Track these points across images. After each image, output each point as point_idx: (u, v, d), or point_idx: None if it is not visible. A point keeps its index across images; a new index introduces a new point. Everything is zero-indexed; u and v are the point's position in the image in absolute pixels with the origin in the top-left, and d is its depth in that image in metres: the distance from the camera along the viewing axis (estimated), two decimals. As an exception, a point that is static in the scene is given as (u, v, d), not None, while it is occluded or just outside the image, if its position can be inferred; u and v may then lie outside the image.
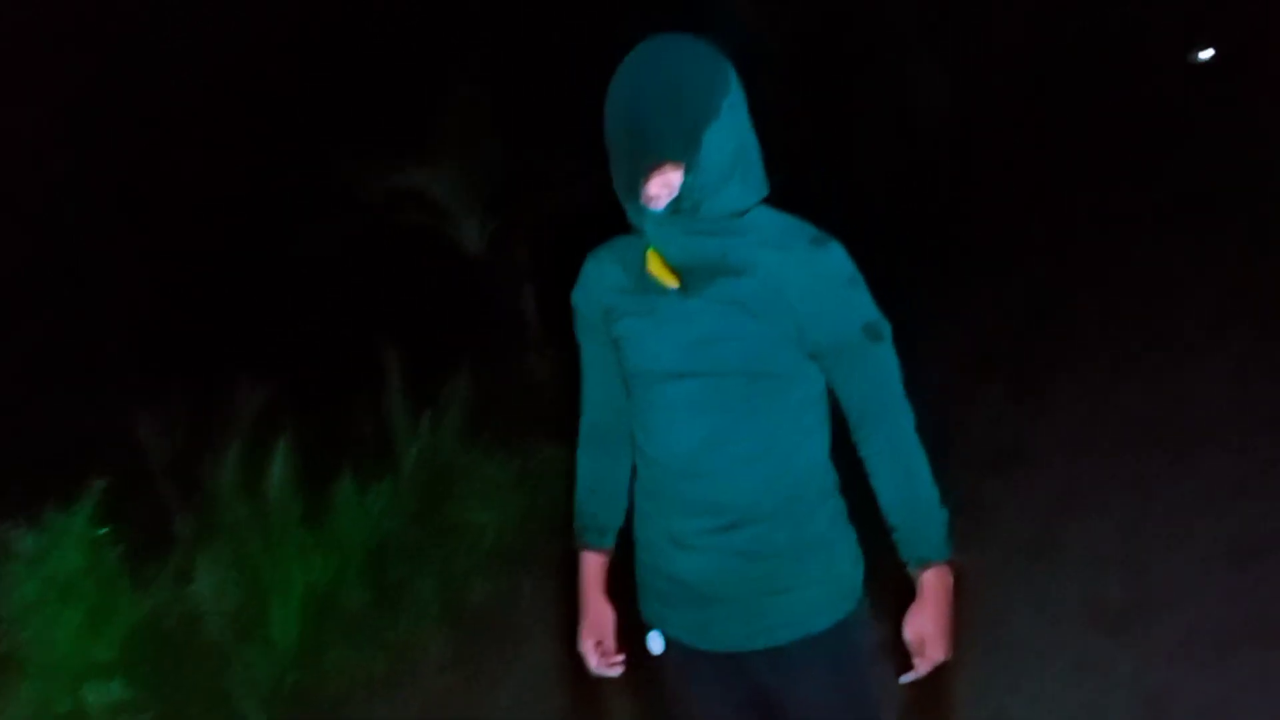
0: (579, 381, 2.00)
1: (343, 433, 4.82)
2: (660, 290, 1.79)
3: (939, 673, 1.84)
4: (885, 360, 1.83)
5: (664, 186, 1.74)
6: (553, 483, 4.91)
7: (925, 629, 1.82)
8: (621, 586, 1.99)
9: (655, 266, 1.80)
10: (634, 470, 1.96)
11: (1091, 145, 12.70)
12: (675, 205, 1.73)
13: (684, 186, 1.71)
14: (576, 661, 2.05)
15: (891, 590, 1.90)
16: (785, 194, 1.84)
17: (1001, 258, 8.52)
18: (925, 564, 1.83)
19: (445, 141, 6.44)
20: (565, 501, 4.90)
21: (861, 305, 1.80)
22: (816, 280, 1.76)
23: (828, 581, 1.85)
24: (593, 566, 2.01)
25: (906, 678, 1.85)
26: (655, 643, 1.95)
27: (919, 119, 12.96)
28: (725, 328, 1.76)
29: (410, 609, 4.08)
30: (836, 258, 1.78)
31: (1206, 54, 18.63)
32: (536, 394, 5.66)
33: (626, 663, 1.99)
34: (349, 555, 4.14)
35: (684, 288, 1.77)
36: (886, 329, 1.81)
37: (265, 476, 4.14)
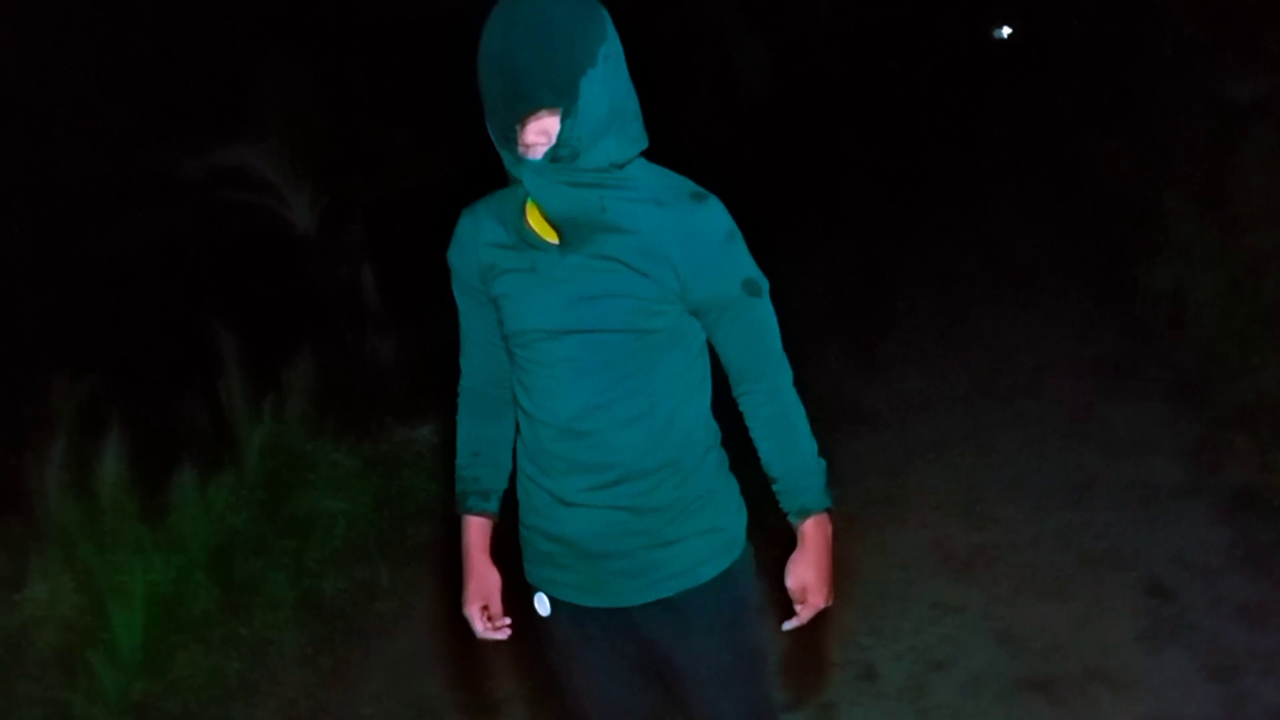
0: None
1: (177, 424, 4.54)
2: (540, 245, 1.76)
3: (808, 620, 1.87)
4: (764, 316, 1.84)
5: (541, 134, 1.70)
6: (405, 467, 4.79)
7: (807, 577, 1.85)
8: (501, 554, 1.95)
9: (534, 220, 1.76)
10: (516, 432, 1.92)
11: (910, 116, 13.25)
12: (553, 153, 1.69)
13: (562, 134, 1.68)
14: (443, 646, 1.99)
15: (770, 542, 1.93)
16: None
17: (829, 228, 8.79)
18: (806, 513, 1.86)
19: (267, 115, 6.15)
20: (420, 486, 4.79)
21: (741, 261, 1.80)
22: (696, 236, 1.75)
23: (713, 532, 1.87)
24: (476, 531, 1.96)
25: (789, 625, 1.88)
26: (541, 605, 1.93)
27: (742, 93, 13.21)
28: (607, 284, 1.74)
29: (263, 605, 3.89)
30: (716, 213, 1.78)
31: (1005, 31, 20.06)
32: (382, 375, 5.49)
33: (511, 628, 1.95)
34: (193, 553, 3.91)
35: (563, 243, 1.74)
36: (765, 285, 1.83)
37: (95, 474, 3.88)
